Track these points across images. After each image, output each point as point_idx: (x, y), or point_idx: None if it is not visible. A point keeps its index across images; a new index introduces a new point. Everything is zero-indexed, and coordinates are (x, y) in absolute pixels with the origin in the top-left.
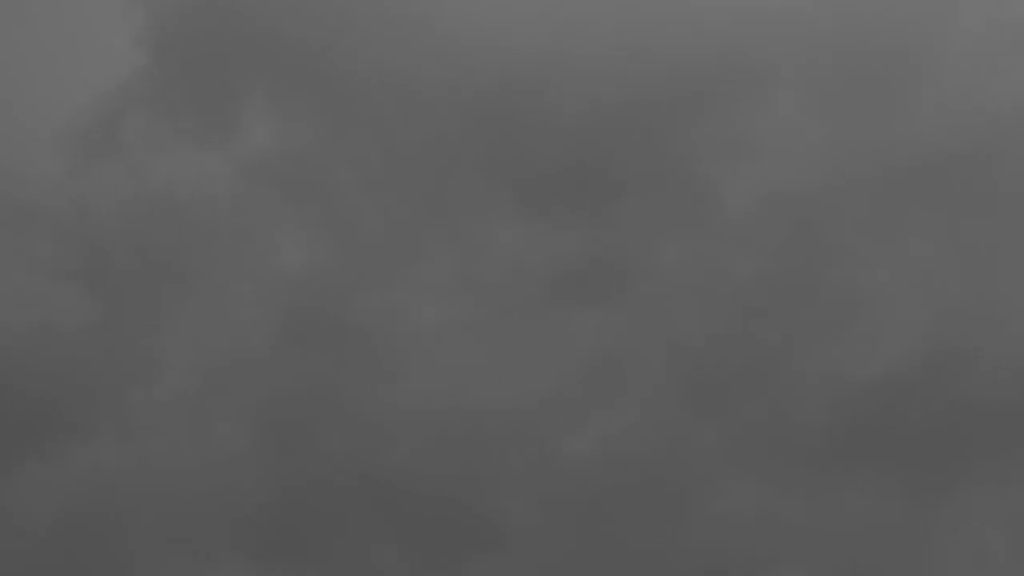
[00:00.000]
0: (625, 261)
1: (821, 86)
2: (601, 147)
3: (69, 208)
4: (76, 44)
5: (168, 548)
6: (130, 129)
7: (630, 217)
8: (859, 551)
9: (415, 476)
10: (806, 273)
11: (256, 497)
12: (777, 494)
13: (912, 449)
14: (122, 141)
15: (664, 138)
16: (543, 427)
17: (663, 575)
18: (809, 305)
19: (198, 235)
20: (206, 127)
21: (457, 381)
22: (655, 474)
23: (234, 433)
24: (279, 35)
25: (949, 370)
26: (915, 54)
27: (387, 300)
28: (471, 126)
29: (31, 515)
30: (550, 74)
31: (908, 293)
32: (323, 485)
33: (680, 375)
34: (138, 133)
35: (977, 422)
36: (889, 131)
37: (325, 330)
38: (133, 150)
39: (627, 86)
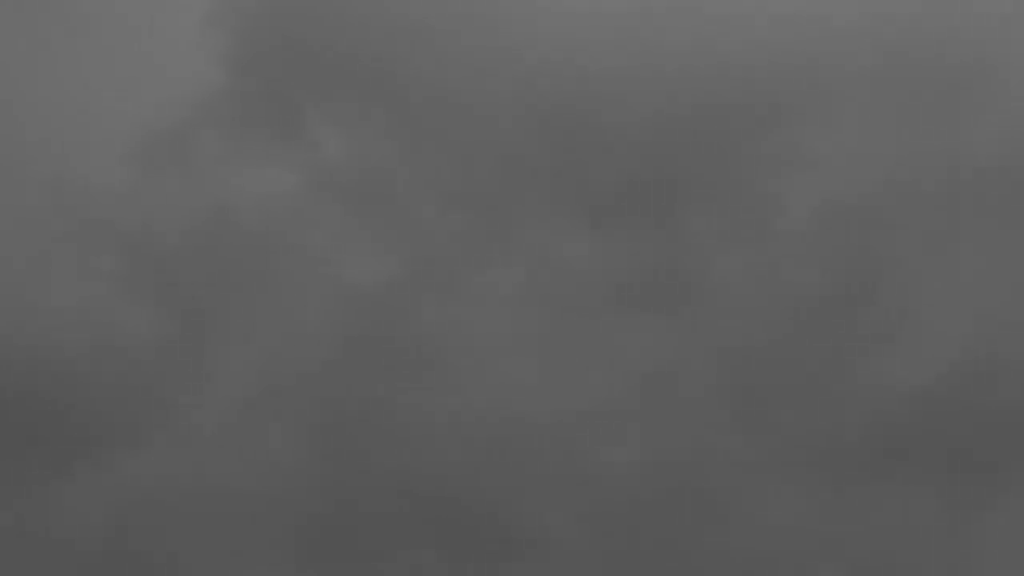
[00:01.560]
0: (685, 273)
1: (881, 99)
2: (664, 160)
3: (137, 222)
4: (150, 60)
5: (218, 556)
6: (201, 145)
7: (691, 229)
8: (900, 560)
9: (460, 486)
10: (860, 284)
11: (306, 506)
12: (819, 504)
13: (954, 459)
14: (192, 157)
15: (726, 151)
16: (589, 437)
17: None
18: (861, 316)
19: (264, 249)
20: (276, 142)
21: (508, 392)
22: (697, 484)
23: (287, 443)
24: (350, 53)
25: (992, 380)
26: (975, 68)
27: (448, 313)
28: (537, 139)
29: (85, 524)
30: (614, 88)
31: (957, 304)
32: (372, 495)
33: (728, 385)
34: (208, 149)
35: (1020, 433)
36: (949, 143)
37: (386, 343)
38: (203, 166)
39: (691, 99)
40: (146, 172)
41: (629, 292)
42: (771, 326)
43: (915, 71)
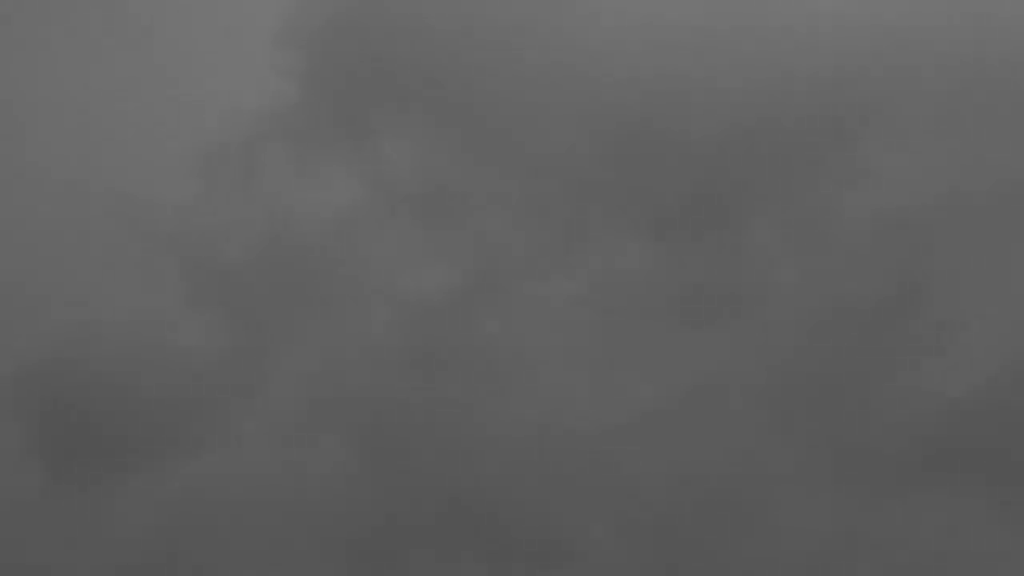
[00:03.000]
0: (740, 285)
1: (937, 112)
2: (726, 172)
3: (201, 235)
4: (219, 75)
5: (267, 564)
6: (266, 159)
7: (750, 241)
8: (941, 571)
9: (506, 497)
10: (911, 295)
11: (354, 516)
12: (862, 514)
13: (998, 469)
14: (258, 171)
15: (787, 163)
16: (633, 449)
17: None
18: (910, 327)
19: (325, 262)
20: (341, 156)
21: (557, 404)
22: (739, 495)
23: (338, 454)
24: (417, 68)
25: None
26: None
27: (505, 325)
28: (600, 152)
29: (139, 527)
30: (678, 102)
31: (1005, 314)
32: (419, 506)
33: (774, 396)
34: (274, 163)
35: None
36: (1000, 156)
37: (443, 355)
38: (268, 180)
39: (753, 113)
40: (212, 186)
41: (685, 304)
42: (820, 337)
43: (970, 85)
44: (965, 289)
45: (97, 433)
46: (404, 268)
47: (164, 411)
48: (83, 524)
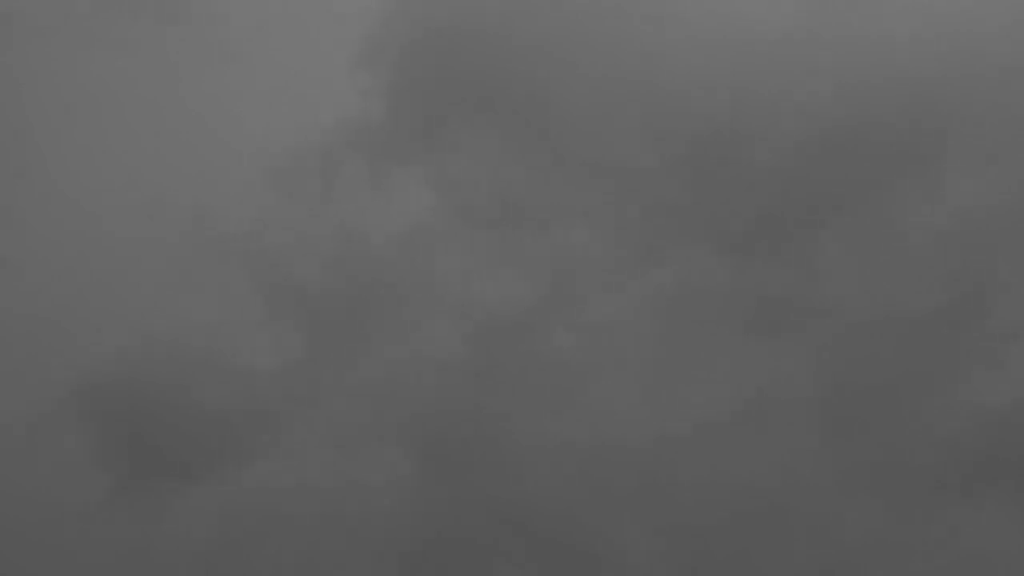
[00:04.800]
0: (803, 298)
1: (1009, 123)
2: (797, 185)
3: (274, 247)
4: (298, 90)
5: (320, 573)
6: (341, 172)
7: (817, 255)
8: None
9: (564, 510)
10: (973, 306)
11: (408, 526)
12: (912, 526)
13: None
14: (332, 184)
15: (858, 175)
16: (686, 461)
17: None
18: (971, 338)
19: (397, 275)
20: (416, 170)
21: (613, 417)
22: (785, 505)
23: (396, 464)
24: (494, 81)
25: None
26: None
27: (570, 339)
28: (672, 166)
29: (198, 540)
30: (750, 115)
31: None
32: (475, 520)
33: (830, 407)
34: (348, 176)
35: None
36: None
37: (507, 368)
38: (343, 193)
39: (825, 124)
40: (286, 198)
41: (750, 317)
42: (879, 349)
43: None
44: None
45: (161, 445)
46: (476, 282)
47: (228, 423)
48: (145, 535)
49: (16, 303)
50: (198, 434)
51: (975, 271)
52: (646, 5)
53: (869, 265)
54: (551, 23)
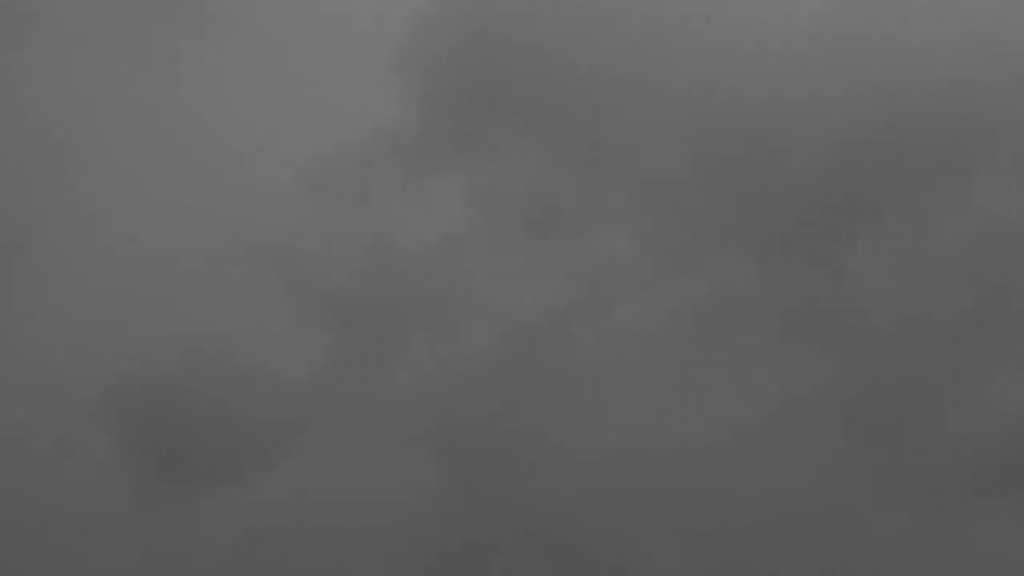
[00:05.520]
0: (840, 304)
1: None
2: (831, 192)
3: (307, 254)
4: (327, 92)
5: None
6: (375, 179)
7: (851, 259)
8: None
9: (580, 514)
10: (1006, 311)
11: (434, 533)
12: (930, 528)
13: None
14: (366, 191)
15: (893, 182)
16: (712, 465)
17: None
18: (1001, 343)
19: (429, 281)
20: (450, 175)
21: (644, 422)
22: (814, 511)
23: (423, 470)
24: (527, 87)
25: None
26: None
27: (608, 344)
28: (708, 173)
29: (224, 544)
30: (786, 119)
31: None
32: (502, 522)
33: (861, 412)
34: (382, 182)
35: None
36: None
37: (546, 373)
38: (375, 199)
39: (854, 128)
40: (319, 206)
41: (783, 324)
42: (910, 355)
43: None
44: None
45: (189, 450)
46: (508, 289)
47: (256, 429)
48: (172, 540)
49: (47, 308)
50: (226, 440)
51: (1005, 277)
52: (682, 12)
53: (901, 271)
54: (586, 30)
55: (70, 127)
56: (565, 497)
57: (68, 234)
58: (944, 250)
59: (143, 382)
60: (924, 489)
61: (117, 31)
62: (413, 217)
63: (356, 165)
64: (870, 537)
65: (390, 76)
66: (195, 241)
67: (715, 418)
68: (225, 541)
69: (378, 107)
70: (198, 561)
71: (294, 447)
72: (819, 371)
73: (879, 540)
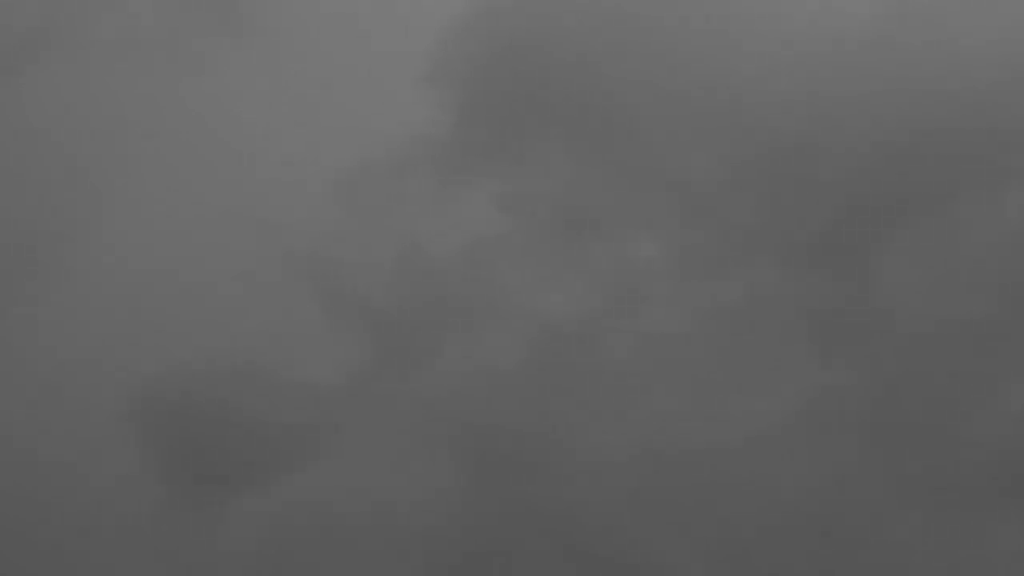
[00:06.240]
0: (864, 308)
1: None
2: (860, 197)
3: (339, 259)
4: (363, 99)
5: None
6: (406, 184)
7: (877, 265)
8: None
9: (606, 521)
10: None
11: (455, 535)
12: (956, 535)
13: None
14: (397, 196)
15: (921, 184)
16: (739, 471)
17: None
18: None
19: (461, 287)
20: (481, 181)
21: (668, 426)
22: (833, 517)
23: (446, 473)
24: (559, 91)
25: None
26: None
27: (636, 349)
28: (738, 178)
29: (250, 549)
30: (818, 123)
31: None
32: (521, 525)
33: (885, 418)
34: (414, 187)
35: None
36: None
37: (573, 377)
38: (407, 205)
39: (886, 134)
40: (352, 211)
41: (810, 330)
42: (937, 362)
43: None
44: None
45: (219, 455)
46: (540, 296)
47: (285, 433)
48: (203, 545)
49: (79, 314)
50: (254, 445)
51: None
52: (714, 19)
53: (930, 278)
54: (618, 37)
55: (106, 134)
56: (592, 502)
57: (102, 239)
58: (973, 257)
59: (174, 387)
60: (950, 494)
61: (151, 39)
62: (445, 223)
63: (389, 172)
64: (895, 542)
65: (423, 84)
66: (228, 246)
67: (743, 423)
68: (253, 546)
69: (411, 114)
70: (225, 566)
71: (322, 452)
72: (847, 377)
73: (904, 545)
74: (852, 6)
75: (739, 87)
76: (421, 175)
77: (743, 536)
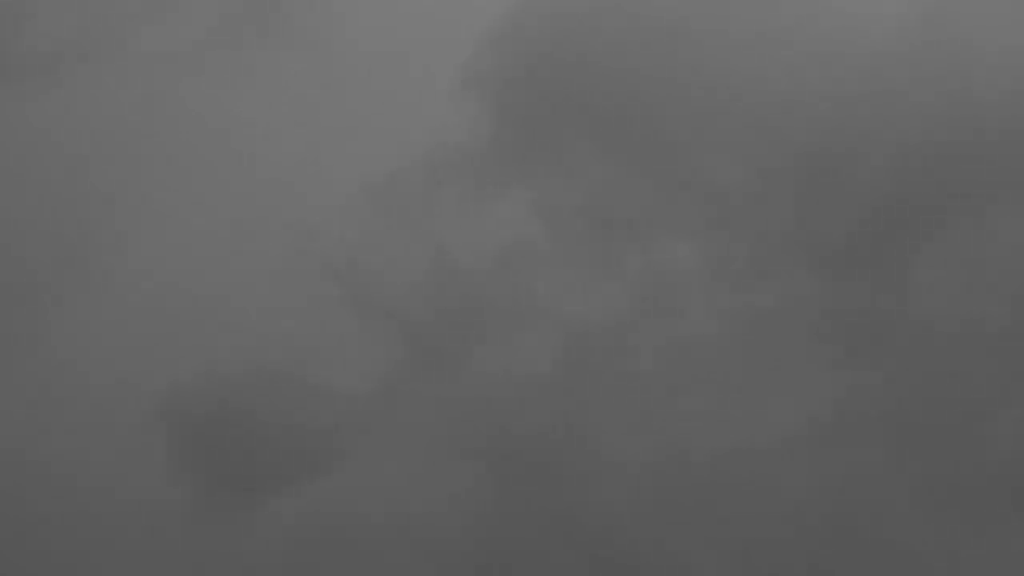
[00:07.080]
0: (898, 315)
1: None
2: (895, 203)
3: (372, 268)
4: (397, 108)
5: None
6: (437, 190)
7: (911, 271)
8: None
9: (632, 525)
10: None
11: (482, 540)
12: (979, 540)
13: None
14: (428, 202)
15: (955, 189)
16: (767, 477)
17: None
18: None
19: (493, 293)
20: (512, 186)
21: (697, 432)
22: (855, 522)
23: (475, 478)
24: (594, 102)
25: None
26: None
27: (664, 355)
28: (772, 184)
29: (276, 550)
30: (848, 132)
31: None
32: (548, 530)
33: (913, 422)
34: (445, 193)
35: None
36: None
37: (600, 382)
38: (438, 211)
39: (921, 140)
40: (385, 218)
41: (843, 336)
42: (967, 367)
43: None
44: None
45: (247, 459)
46: (572, 302)
47: (316, 439)
48: (228, 548)
49: (111, 317)
50: (285, 450)
51: None
52: (748, 27)
53: (962, 285)
54: (653, 45)
55: (143, 142)
56: (621, 509)
57: (135, 246)
58: (1006, 264)
59: (205, 392)
60: (980, 499)
61: (190, 50)
62: (478, 230)
63: (421, 179)
64: (923, 546)
65: (458, 92)
66: (261, 252)
67: (772, 429)
68: (280, 550)
69: (446, 121)
70: (253, 569)
71: (351, 457)
72: (876, 382)
73: (932, 549)
74: (885, 12)
75: (773, 94)
76: (455, 182)
77: (770, 540)
